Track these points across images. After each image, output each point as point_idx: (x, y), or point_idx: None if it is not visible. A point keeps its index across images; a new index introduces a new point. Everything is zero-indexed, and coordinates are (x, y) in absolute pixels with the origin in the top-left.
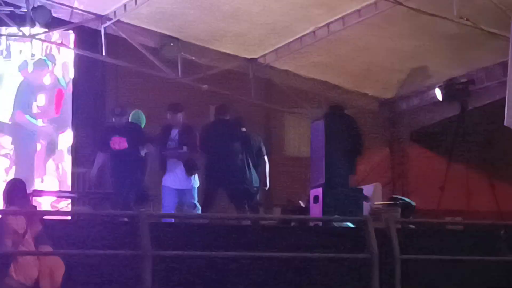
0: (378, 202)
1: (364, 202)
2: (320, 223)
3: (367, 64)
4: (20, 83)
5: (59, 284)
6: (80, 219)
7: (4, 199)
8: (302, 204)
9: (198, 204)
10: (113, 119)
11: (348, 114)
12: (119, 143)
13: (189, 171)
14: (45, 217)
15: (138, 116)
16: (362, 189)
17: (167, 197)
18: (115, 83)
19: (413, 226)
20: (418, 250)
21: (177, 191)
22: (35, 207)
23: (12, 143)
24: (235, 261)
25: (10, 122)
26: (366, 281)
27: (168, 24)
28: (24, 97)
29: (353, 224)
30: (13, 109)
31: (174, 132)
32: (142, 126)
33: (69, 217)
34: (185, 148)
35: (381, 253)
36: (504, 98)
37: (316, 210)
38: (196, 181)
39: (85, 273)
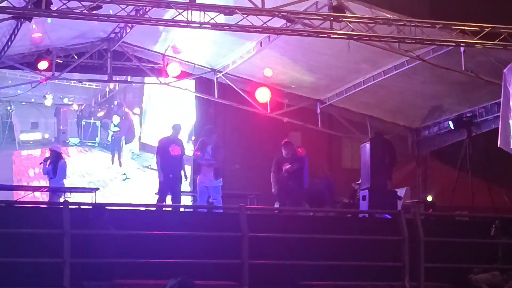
0: (408, 200)
1: (398, 200)
2: (367, 215)
3: (400, 103)
4: None
5: None
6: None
7: None
8: (346, 201)
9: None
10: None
11: (386, 138)
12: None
13: (217, 175)
14: None
15: None
16: (396, 191)
17: (201, 191)
18: (223, 116)
19: (433, 218)
20: (436, 235)
21: (208, 188)
22: None
23: None
24: (307, 241)
25: None
26: (399, 256)
27: (260, 75)
28: None
29: (390, 215)
30: None
31: (209, 148)
32: None
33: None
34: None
35: (410, 236)
36: (498, 128)
37: (364, 206)
38: (220, 181)
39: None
